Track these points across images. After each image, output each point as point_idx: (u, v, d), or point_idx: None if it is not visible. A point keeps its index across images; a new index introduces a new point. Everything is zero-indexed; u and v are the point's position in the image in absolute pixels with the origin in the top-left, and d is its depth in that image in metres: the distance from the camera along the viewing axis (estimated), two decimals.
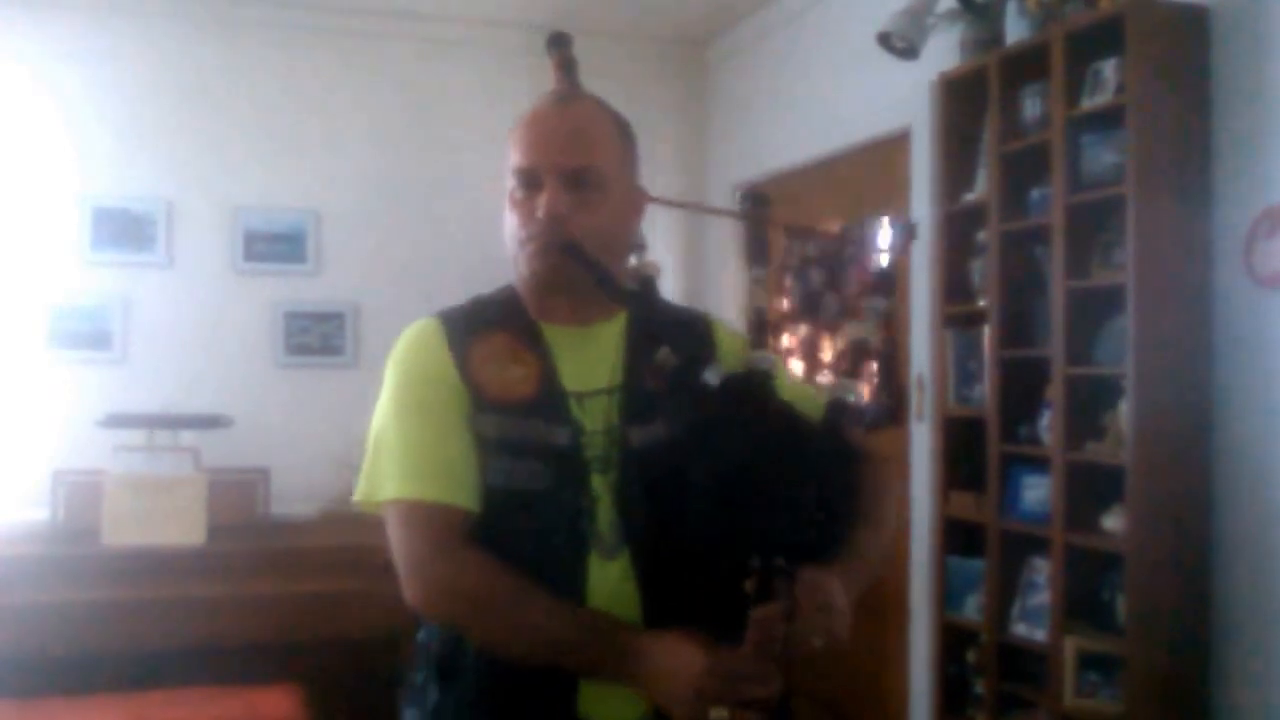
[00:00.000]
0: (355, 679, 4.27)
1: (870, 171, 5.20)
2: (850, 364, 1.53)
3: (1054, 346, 3.68)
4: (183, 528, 4.43)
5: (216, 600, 4.22)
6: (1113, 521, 3.54)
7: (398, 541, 1.85)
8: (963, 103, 4.19)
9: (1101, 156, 3.57)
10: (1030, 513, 3.87)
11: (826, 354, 5.53)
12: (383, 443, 1.91)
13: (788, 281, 5.65)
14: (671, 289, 6.22)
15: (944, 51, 4.26)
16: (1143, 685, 3.43)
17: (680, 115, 6.60)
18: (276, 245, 5.95)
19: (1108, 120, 3.54)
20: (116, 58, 5.76)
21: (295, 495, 5.15)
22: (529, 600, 1.74)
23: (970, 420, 4.14)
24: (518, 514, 1.82)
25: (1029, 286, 3.90)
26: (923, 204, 4.56)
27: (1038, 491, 3.84)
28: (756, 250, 1.71)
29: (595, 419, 1.87)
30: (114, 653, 4.09)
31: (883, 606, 5.00)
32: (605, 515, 1.83)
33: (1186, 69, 3.47)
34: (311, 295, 5.99)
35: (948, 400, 4.25)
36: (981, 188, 4.09)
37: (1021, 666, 3.94)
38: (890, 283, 1.55)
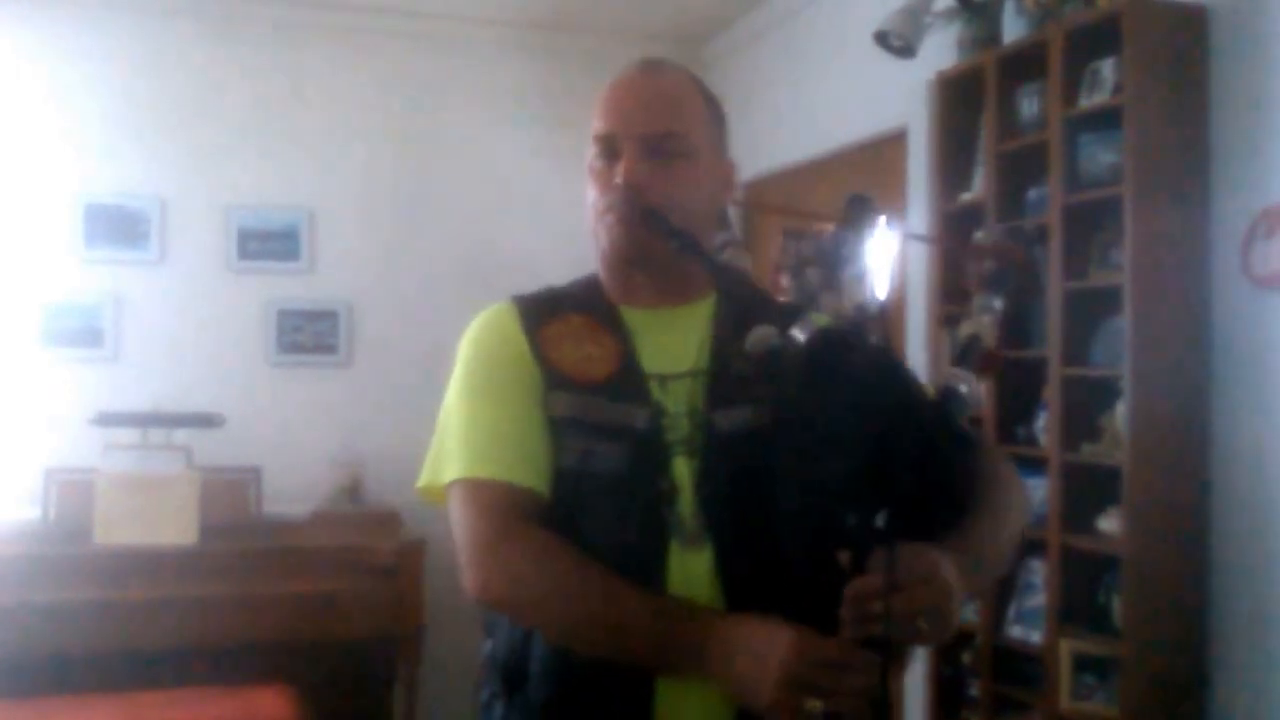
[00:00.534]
0: (347, 678, 4.27)
1: (867, 171, 5.18)
2: (960, 358, 1.45)
3: (1051, 347, 3.67)
4: (175, 527, 4.42)
5: (208, 600, 4.22)
6: (1109, 523, 3.52)
7: (458, 524, 1.74)
8: (960, 102, 4.18)
9: (1099, 156, 3.55)
10: None
11: None
12: (448, 425, 1.82)
13: (785, 281, 5.64)
14: None
15: (941, 50, 4.25)
16: (1139, 688, 3.41)
17: None
18: (270, 243, 5.93)
19: (1105, 120, 3.53)
20: (110, 55, 5.74)
21: (288, 494, 5.15)
22: (598, 583, 1.62)
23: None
24: (592, 498, 1.71)
25: (1027, 285, 3.89)
26: (920, 203, 4.55)
27: (1034, 493, 3.81)
28: (860, 251, 1.65)
29: (678, 402, 1.75)
30: (106, 652, 4.09)
31: None
32: (687, 502, 1.70)
33: (1185, 69, 3.46)
34: (305, 294, 5.96)
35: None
36: (978, 187, 4.08)
37: (1017, 668, 3.93)
38: (1004, 279, 1.43)
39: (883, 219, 1.69)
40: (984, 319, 1.64)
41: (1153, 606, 3.41)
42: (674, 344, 1.81)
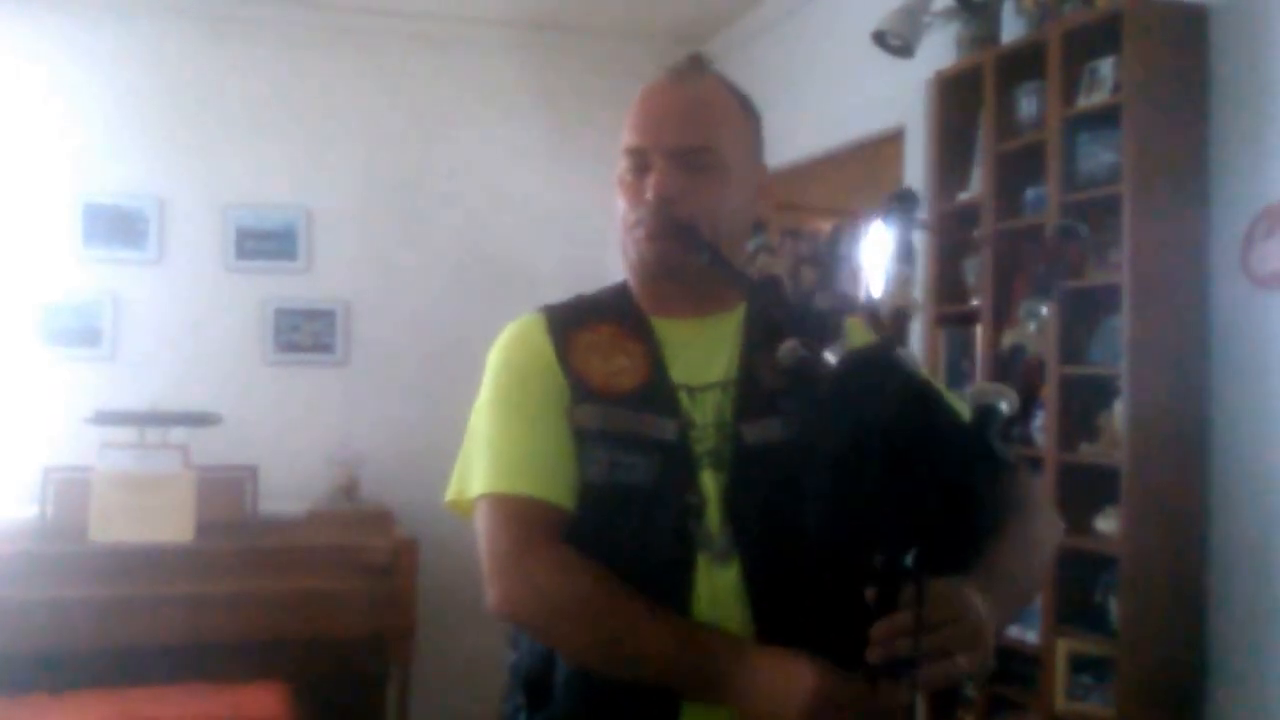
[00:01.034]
0: (341, 677, 4.27)
1: (865, 170, 5.19)
2: (1001, 373, 1.39)
3: (1048, 346, 3.66)
4: (171, 525, 4.41)
5: (204, 598, 4.22)
6: (1106, 523, 3.52)
7: (482, 538, 1.72)
8: (958, 101, 4.17)
9: (1098, 156, 3.55)
10: None
11: None
12: (474, 439, 1.80)
13: (783, 272, 5.64)
14: None
15: (939, 49, 4.24)
16: (1135, 688, 3.40)
17: None
18: (267, 242, 5.93)
19: (1104, 119, 3.52)
20: (108, 55, 5.73)
21: (284, 493, 5.15)
22: (623, 605, 1.60)
23: None
24: (619, 511, 1.69)
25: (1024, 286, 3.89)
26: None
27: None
28: (903, 248, 1.62)
29: (706, 413, 1.74)
30: (101, 649, 4.09)
31: None
32: (714, 516, 1.67)
33: (1184, 68, 3.45)
34: (302, 293, 5.96)
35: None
36: (976, 187, 4.07)
37: (1013, 669, 3.91)
38: (1053, 281, 1.38)
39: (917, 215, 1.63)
40: (1029, 327, 1.57)
41: (1150, 607, 3.40)
42: (703, 355, 1.79)
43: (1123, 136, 3.42)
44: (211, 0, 5.82)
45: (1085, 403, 3.61)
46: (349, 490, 5.42)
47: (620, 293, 1.88)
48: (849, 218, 5.35)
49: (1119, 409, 3.44)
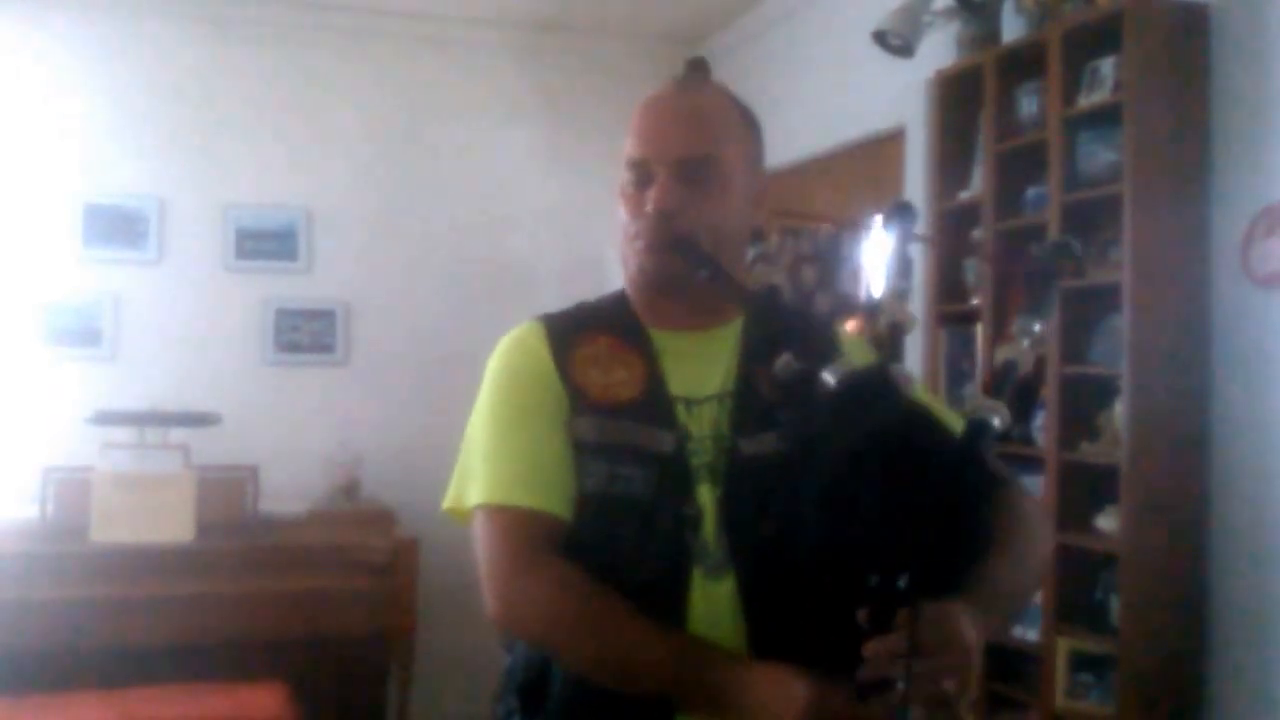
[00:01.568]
0: (342, 677, 4.26)
1: (866, 169, 5.19)
2: (994, 387, 1.42)
3: (1049, 346, 3.66)
4: (172, 525, 4.41)
5: (205, 597, 4.22)
6: (1107, 522, 3.52)
7: (481, 550, 1.73)
8: (959, 101, 4.18)
9: (1098, 155, 3.55)
10: None
11: None
12: (473, 447, 1.81)
13: (781, 281, 5.64)
14: None
15: (940, 49, 4.25)
16: (1135, 687, 3.40)
17: None
18: (268, 243, 5.93)
19: (1105, 119, 3.53)
20: (109, 55, 5.74)
21: (284, 493, 5.14)
22: (618, 619, 1.61)
23: None
24: (616, 523, 1.69)
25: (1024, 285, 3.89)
26: (918, 203, 4.54)
27: (1031, 491, 3.82)
28: (901, 262, 1.62)
29: (703, 425, 1.74)
30: (102, 649, 4.08)
31: None
32: (710, 529, 1.68)
33: (1185, 68, 3.46)
34: (302, 293, 5.96)
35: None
36: (977, 186, 4.08)
37: (1013, 667, 3.92)
38: (1046, 301, 1.41)
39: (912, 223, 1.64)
40: (1023, 343, 1.59)
41: (1150, 605, 3.41)
42: (701, 367, 1.79)
43: (1123, 136, 3.43)
44: (212, 1, 5.82)
45: (1086, 402, 3.61)
46: (349, 490, 5.43)
47: (619, 302, 1.87)
48: (850, 217, 5.34)
49: (1119, 408, 3.44)
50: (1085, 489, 3.59)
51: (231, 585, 4.27)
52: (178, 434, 4.80)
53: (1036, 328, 1.57)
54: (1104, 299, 3.52)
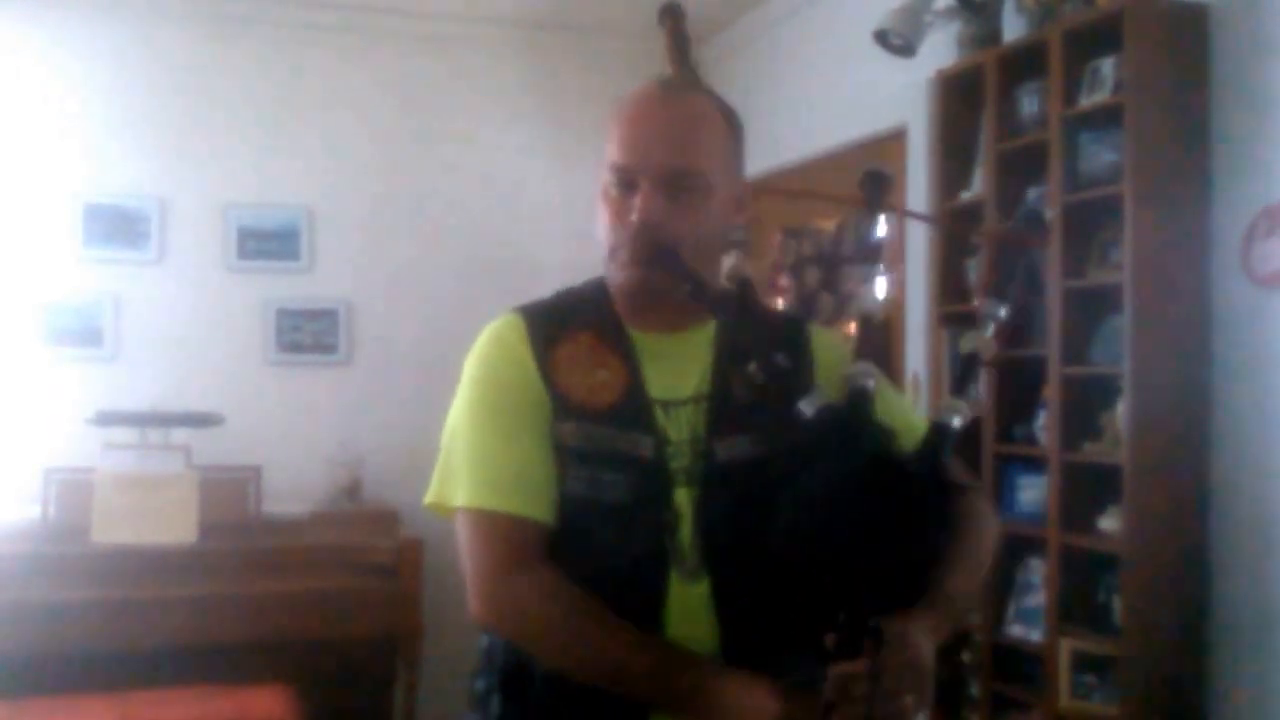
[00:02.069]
0: (346, 678, 4.26)
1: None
2: (960, 381, 1.46)
3: (1050, 346, 3.66)
4: (174, 526, 4.41)
5: (207, 599, 4.22)
6: (1109, 522, 3.52)
7: (467, 555, 1.77)
8: (960, 101, 4.18)
9: (1099, 155, 3.55)
10: (1026, 513, 3.85)
11: None
12: (456, 445, 1.82)
13: (784, 280, 5.64)
14: None
15: (941, 49, 4.24)
16: (1138, 687, 3.41)
17: None
18: (269, 242, 5.92)
19: (1105, 119, 3.53)
20: (109, 54, 5.73)
21: (287, 494, 5.14)
22: (597, 626, 1.66)
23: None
24: (596, 526, 1.73)
25: (1026, 286, 3.88)
26: (920, 202, 4.55)
27: (1034, 492, 3.83)
28: (870, 247, 1.67)
29: (681, 429, 1.77)
30: (104, 652, 4.08)
31: None
32: (688, 532, 1.72)
33: (1185, 68, 3.46)
34: (304, 292, 5.96)
35: (943, 400, 4.23)
36: (978, 186, 4.08)
37: (1017, 667, 3.92)
38: (1012, 283, 1.48)
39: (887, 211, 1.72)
40: (988, 329, 1.67)
41: (1152, 605, 3.41)
42: (678, 369, 1.81)
43: (1124, 136, 3.43)
44: (213, 1, 5.82)
45: (1088, 402, 3.61)
46: (351, 491, 5.42)
47: (600, 293, 1.88)
48: (852, 217, 5.35)
49: (1121, 408, 3.44)
50: (1087, 489, 3.59)
51: (234, 586, 4.27)
52: (179, 435, 4.81)
53: (1001, 312, 1.66)
54: (1105, 299, 3.52)
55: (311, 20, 5.96)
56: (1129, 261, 3.38)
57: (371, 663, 4.36)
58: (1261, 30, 3.33)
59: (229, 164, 5.88)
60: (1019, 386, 3.86)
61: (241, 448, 5.07)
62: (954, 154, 4.20)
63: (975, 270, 4.11)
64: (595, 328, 1.83)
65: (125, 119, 5.74)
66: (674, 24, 2.11)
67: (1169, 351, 3.42)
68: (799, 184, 5.67)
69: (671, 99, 1.80)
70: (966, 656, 4.13)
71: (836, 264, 5.58)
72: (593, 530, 1.72)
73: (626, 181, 1.75)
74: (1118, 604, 3.48)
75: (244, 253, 5.90)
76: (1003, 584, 3.93)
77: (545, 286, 1.97)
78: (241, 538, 4.55)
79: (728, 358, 1.79)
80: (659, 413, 1.77)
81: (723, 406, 1.77)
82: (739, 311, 1.83)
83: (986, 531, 1.84)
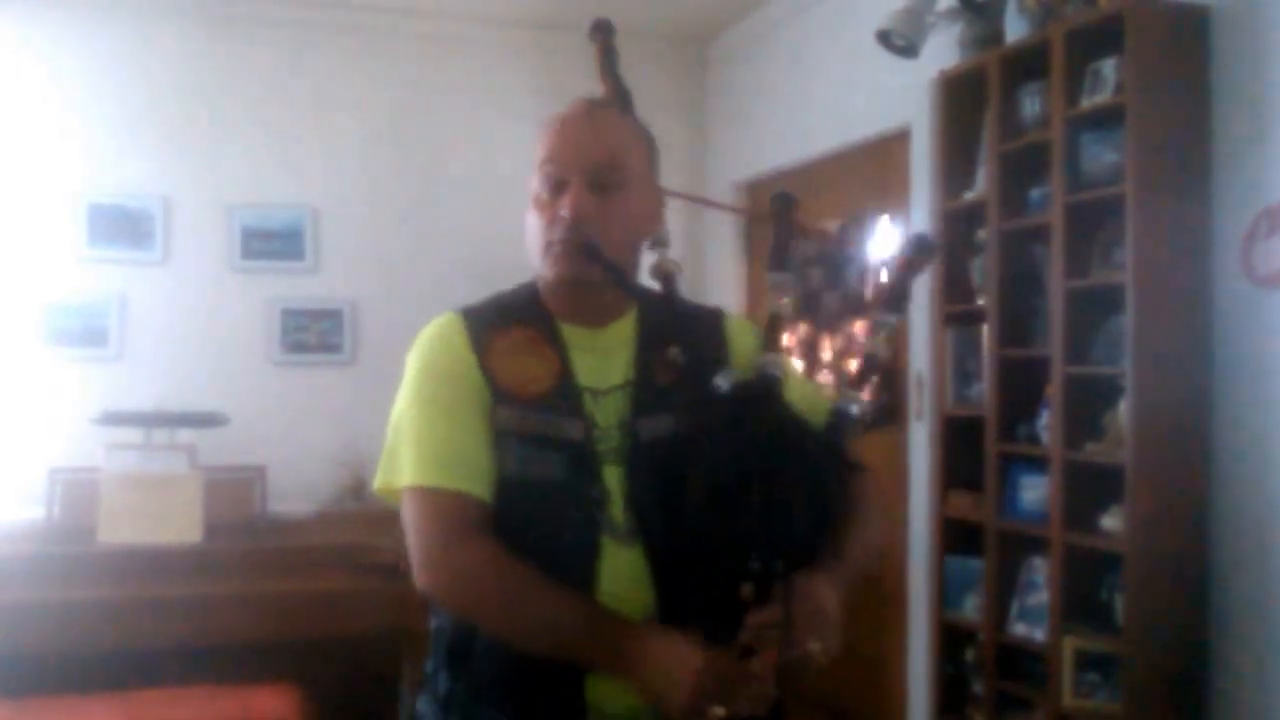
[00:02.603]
0: (352, 678, 4.26)
1: (870, 170, 5.19)
2: (859, 377, 1.69)
3: (1053, 346, 3.67)
4: (179, 526, 4.42)
5: (213, 599, 4.21)
6: (1111, 521, 3.53)
7: (411, 528, 1.91)
8: (962, 101, 4.18)
9: (1101, 156, 3.56)
10: (1029, 512, 3.86)
11: (826, 353, 5.53)
12: (402, 431, 1.96)
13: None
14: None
15: (944, 50, 4.25)
16: (1141, 685, 3.42)
17: (681, 112, 6.59)
18: (273, 242, 5.94)
19: (1107, 119, 3.54)
20: (113, 54, 5.75)
21: (292, 493, 5.15)
22: (535, 592, 1.80)
23: (969, 420, 4.13)
24: (534, 503, 1.87)
25: (1028, 286, 3.89)
26: (922, 202, 4.56)
27: (1036, 491, 3.84)
28: (776, 254, 1.79)
29: (609, 415, 1.93)
30: (110, 652, 4.08)
31: (882, 606, 4.99)
32: (618, 506, 1.88)
33: (1186, 68, 3.47)
34: (309, 292, 5.98)
35: (947, 399, 4.25)
36: (981, 186, 4.08)
37: (1020, 666, 3.94)
38: (903, 299, 1.82)
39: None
40: (880, 336, 1.92)
41: (1155, 604, 3.42)
42: (604, 360, 1.98)
43: (1125, 136, 3.43)
44: (218, 1, 5.83)
45: (1090, 402, 3.62)
46: (356, 490, 5.43)
47: (531, 293, 2.07)
48: (854, 218, 5.34)
49: (1123, 408, 3.45)
50: (1090, 489, 3.60)
51: (240, 586, 4.27)
52: (184, 434, 4.81)
53: (893, 322, 1.92)
54: (1107, 299, 3.53)
55: (316, 20, 5.98)
56: (1131, 261, 3.39)
57: (377, 662, 4.35)
58: (1261, 31, 3.34)
59: (233, 164, 5.90)
60: (1022, 386, 3.87)
61: (246, 448, 5.07)
62: (957, 154, 4.21)
63: (980, 271, 4.11)
64: (528, 323, 2.01)
65: (129, 119, 5.76)
66: (604, 41, 2.28)
67: (1170, 351, 3.43)
68: (801, 184, 5.68)
69: (597, 113, 2.04)
70: (970, 655, 4.14)
71: (840, 264, 5.58)
72: (529, 506, 1.87)
73: (556, 183, 1.97)
74: (1120, 603, 3.49)
75: (248, 252, 5.92)
76: (1006, 583, 3.95)
77: None
78: (247, 538, 4.56)
79: (649, 345, 1.98)
80: (588, 399, 1.93)
81: (646, 389, 1.95)
82: (660, 299, 2.02)
83: (876, 510, 2.06)
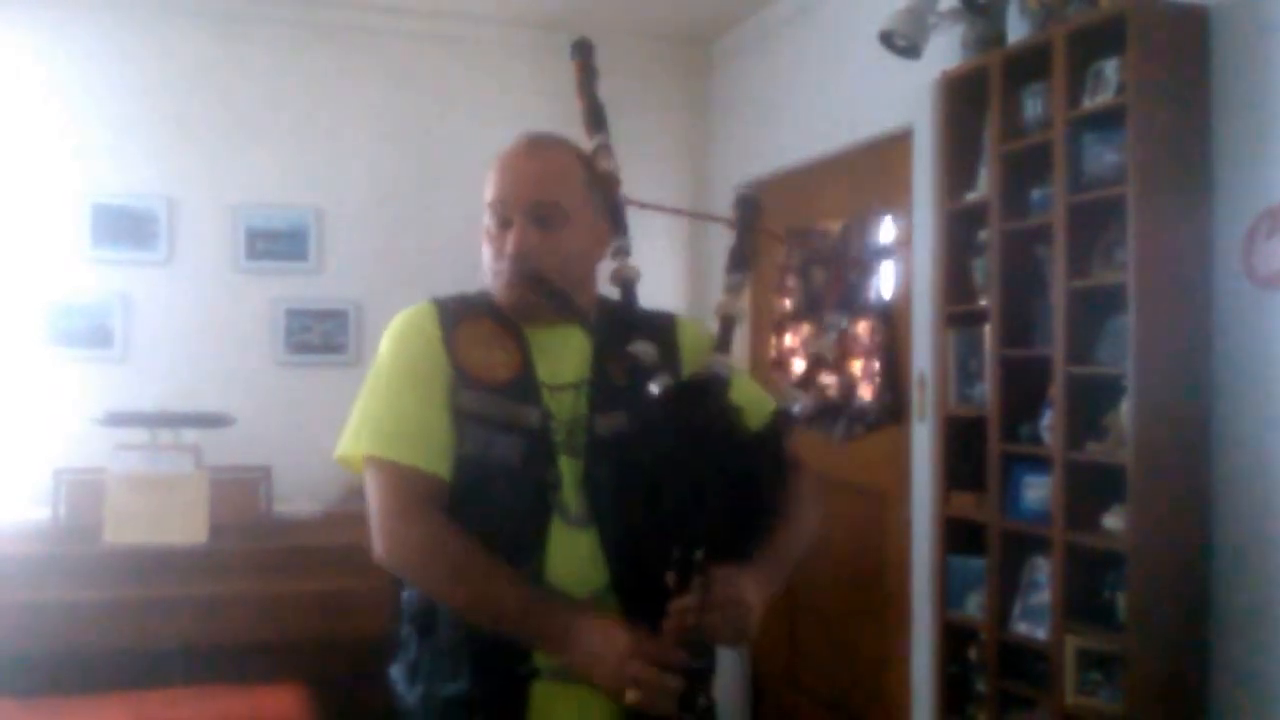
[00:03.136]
0: (357, 678, 4.27)
1: (872, 170, 5.20)
2: (806, 377, 1.90)
3: (1055, 346, 3.68)
4: (184, 526, 4.44)
5: (218, 599, 4.23)
6: (1113, 521, 3.54)
7: (371, 498, 2.07)
8: (964, 102, 4.19)
9: (1102, 156, 3.57)
10: (1031, 512, 3.87)
11: (830, 354, 5.53)
12: (368, 405, 2.13)
13: (790, 281, 5.65)
14: (672, 294, 6.21)
15: (945, 50, 4.26)
16: (1143, 684, 3.43)
17: (683, 113, 6.59)
18: (278, 243, 5.95)
19: (1109, 120, 3.54)
20: (117, 54, 5.76)
21: (297, 493, 5.16)
22: (479, 570, 1.94)
23: (971, 420, 4.14)
24: (491, 483, 2.02)
25: (1030, 286, 3.90)
26: (924, 203, 4.56)
27: (1039, 491, 3.84)
28: (737, 256, 1.89)
29: (563, 409, 2.08)
30: (115, 651, 4.10)
31: (884, 605, 5.00)
32: (571, 491, 2.03)
33: (1187, 69, 3.47)
34: (313, 293, 5.98)
35: (949, 399, 4.26)
36: (983, 187, 4.09)
37: (1022, 665, 3.94)
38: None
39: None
40: (830, 337, 2.12)
41: (1157, 603, 3.43)
42: (559, 360, 2.13)
43: (1127, 137, 3.44)
44: (221, 0, 5.84)
45: (1092, 402, 3.62)
46: (362, 491, 5.42)
47: (494, 301, 2.20)
48: (856, 218, 5.35)
49: (1125, 408, 3.45)
50: (1092, 489, 3.61)
51: (246, 586, 4.29)
52: (189, 435, 4.83)
53: (844, 324, 2.10)
54: (1109, 300, 3.54)
55: (321, 19, 5.99)
56: (1132, 262, 3.39)
57: (384, 662, 4.37)
58: (1262, 31, 3.34)
59: (237, 164, 5.90)
60: (1024, 386, 3.88)
61: (251, 448, 5.09)
62: (959, 155, 4.21)
63: (982, 271, 4.12)
64: (494, 317, 2.16)
65: (133, 119, 5.77)
66: (583, 59, 2.37)
67: (1172, 352, 3.44)
68: (803, 184, 5.69)
69: (535, 151, 2.19)
70: (973, 653, 4.15)
71: (842, 264, 5.59)
72: (486, 487, 2.02)
73: (502, 219, 2.13)
74: (1122, 602, 3.50)
75: (253, 253, 5.92)
76: (1008, 582, 3.95)
77: None
78: (252, 538, 4.57)
79: (604, 347, 2.12)
80: (545, 392, 2.08)
81: (602, 388, 2.10)
82: (612, 306, 2.20)
83: (812, 509, 2.20)
